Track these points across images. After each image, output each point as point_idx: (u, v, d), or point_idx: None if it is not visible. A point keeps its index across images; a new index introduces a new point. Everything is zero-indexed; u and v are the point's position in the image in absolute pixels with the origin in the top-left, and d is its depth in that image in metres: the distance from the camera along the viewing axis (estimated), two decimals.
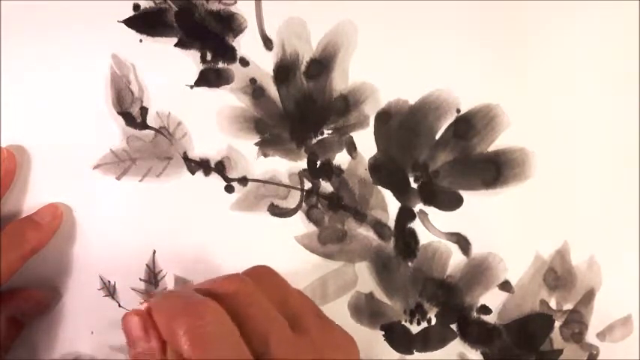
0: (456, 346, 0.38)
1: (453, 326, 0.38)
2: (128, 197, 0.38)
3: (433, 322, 0.38)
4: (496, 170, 0.37)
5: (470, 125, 0.37)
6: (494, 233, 0.38)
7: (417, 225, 0.38)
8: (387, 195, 0.38)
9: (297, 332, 0.31)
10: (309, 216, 0.38)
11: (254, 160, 0.38)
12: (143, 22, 0.37)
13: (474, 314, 0.38)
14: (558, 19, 0.37)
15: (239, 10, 0.37)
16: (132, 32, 0.37)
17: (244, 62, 0.37)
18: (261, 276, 0.32)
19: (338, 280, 0.38)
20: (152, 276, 0.38)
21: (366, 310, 0.38)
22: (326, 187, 0.38)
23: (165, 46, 0.37)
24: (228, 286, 0.30)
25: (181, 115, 0.37)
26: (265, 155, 0.38)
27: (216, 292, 0.30)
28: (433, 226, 0.38)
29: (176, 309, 0.29)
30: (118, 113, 0.37)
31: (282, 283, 0.33)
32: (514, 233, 0.38)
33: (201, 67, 0.37)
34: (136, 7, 0.37)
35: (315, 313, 0.34)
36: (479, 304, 0.38)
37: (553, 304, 0.38)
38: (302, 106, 0.37)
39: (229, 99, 0.37)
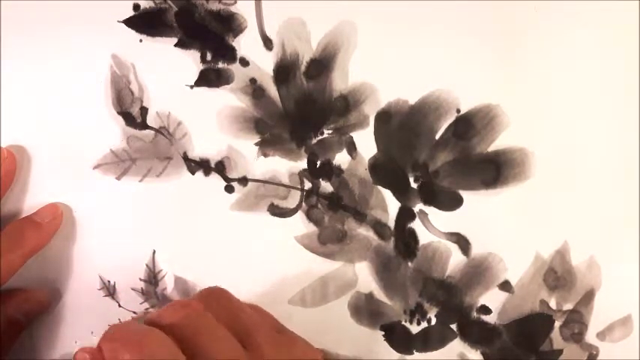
0: (456, 346, 0.38)
1: (453, 326, 0.38)
2: (128, 197, 0.38)
3: (433, 322, 0.38)
4: (496, 170, 0.37)
5: (470, 125, 0.37)
6: (494, 233, 0.38)
7: (417, 225, 0.38)
8: (387, 195, 0.38)
9: (249, 350, 0.30)
10: (309, 216, 0.38)
11: (254, 160, 0.38)
12: (143, 22, 0.37)
13: (474, 314, 0.38)
14: (558, 19, 0.37)
15: (239, 10, 0.37)
16: (132, 32, 0.37)
17: (244, 62, 0.37)
18: (210, 297, 0.32)
19: (338, 280, 0.38)
20: (152, 276, 0.38)
21: (366, 310, 0.38)
22: (326, 187, 0.38)
23: (165, 46, 0.37)
24: (174, 313, 0.30)
25: (181, 115, 0.37)
26: (265, 155, 0.38)
27: (162, 322, 0.29)
28: (433, 226, 0.38)
29: (121, 342, 0.28)
30: (118, 113, 0.37)
31: (234, 302, 0.32)
32: (514, 233, 0.38)
33: (201, 67, 0.37)
34: (136, 7, 0.37)
35: (274, 328, 0.33)
36: (479, 304, 0.38)
37: (553, 304, 0.38)
38: (302, 106, 0.37)
39: (229, 99, 0.37)
